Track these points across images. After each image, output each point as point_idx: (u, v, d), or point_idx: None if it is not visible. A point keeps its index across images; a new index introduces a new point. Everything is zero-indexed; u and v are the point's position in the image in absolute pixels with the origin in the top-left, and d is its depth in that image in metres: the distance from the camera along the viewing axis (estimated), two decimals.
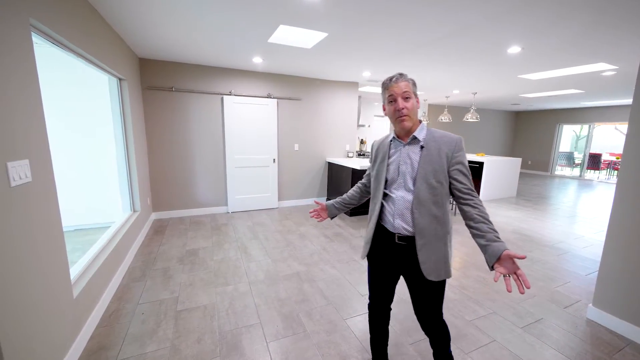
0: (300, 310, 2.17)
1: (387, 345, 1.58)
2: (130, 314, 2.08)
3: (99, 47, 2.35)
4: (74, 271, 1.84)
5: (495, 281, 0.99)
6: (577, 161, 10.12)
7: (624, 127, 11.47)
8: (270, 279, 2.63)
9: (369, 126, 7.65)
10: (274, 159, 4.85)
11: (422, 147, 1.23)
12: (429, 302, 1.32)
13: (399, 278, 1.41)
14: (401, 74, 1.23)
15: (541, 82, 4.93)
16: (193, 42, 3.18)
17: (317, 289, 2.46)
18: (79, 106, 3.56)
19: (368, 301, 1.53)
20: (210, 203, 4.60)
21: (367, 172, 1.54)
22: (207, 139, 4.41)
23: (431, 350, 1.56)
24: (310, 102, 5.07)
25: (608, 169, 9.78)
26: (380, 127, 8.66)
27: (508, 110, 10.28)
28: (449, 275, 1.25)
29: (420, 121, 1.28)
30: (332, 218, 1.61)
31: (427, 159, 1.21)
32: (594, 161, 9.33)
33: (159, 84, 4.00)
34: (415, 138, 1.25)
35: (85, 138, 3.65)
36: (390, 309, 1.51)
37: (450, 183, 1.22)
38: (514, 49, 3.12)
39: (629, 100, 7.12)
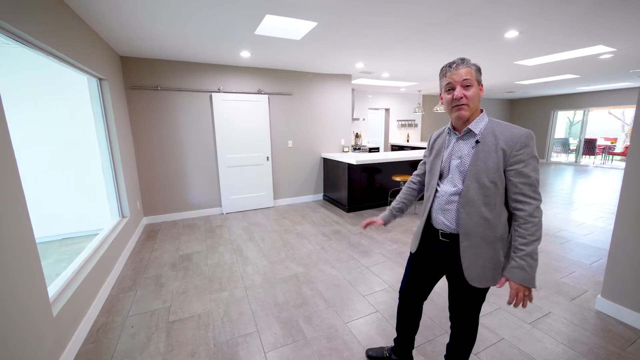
0: (299, 315, 2.07)
1: (415, 333, 1.52)
2: (119, 327, 1.97)
3: (72, 46, 2.19)
4: (54, 287, 1.71)
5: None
6: (572, 147, 10.11)
7: (617, 111, 11.49)
8: (267, 282, 2.52)
9: (364, 119, 7.52)
10: (268, 157, 4.71)
11: (477, 141, 1.11)
12: (467, 306, 1.26)
13: (439, 278, 1.34)
14: (462, 59, 1.10)
15: (537, 68, 4.84)
16: (177, 37, 3.01)
17: (317, 291, 2.36)
18: (61, 109, 3.37)
19: (400, 288, 1.46)
20: (204, 205, 4.46)
21: (421, 162, 1.45)
22: (197, 139, 4.25)
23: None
24: (303, 96, 4.93)
25: (603, 154, 9.79)
26: (376, 121, 8.54)
27: (503, 98, 10.20)
28: (496, 282, 1.14)
29: (481, 111, 1.15)
30: (386, 225, 1.51)
31: (481, 155, 1.09)
32: (589, 146, 9.32)
33: (144, 83, 3.82)
34: (470, 131, 1.13)
35: (69, 142, 3.47)
36: (422, 305, 1.45)
37: (505, 184, 1.09)
38: (512, 34, 3.01)
39: (624, 84, 7.06)
